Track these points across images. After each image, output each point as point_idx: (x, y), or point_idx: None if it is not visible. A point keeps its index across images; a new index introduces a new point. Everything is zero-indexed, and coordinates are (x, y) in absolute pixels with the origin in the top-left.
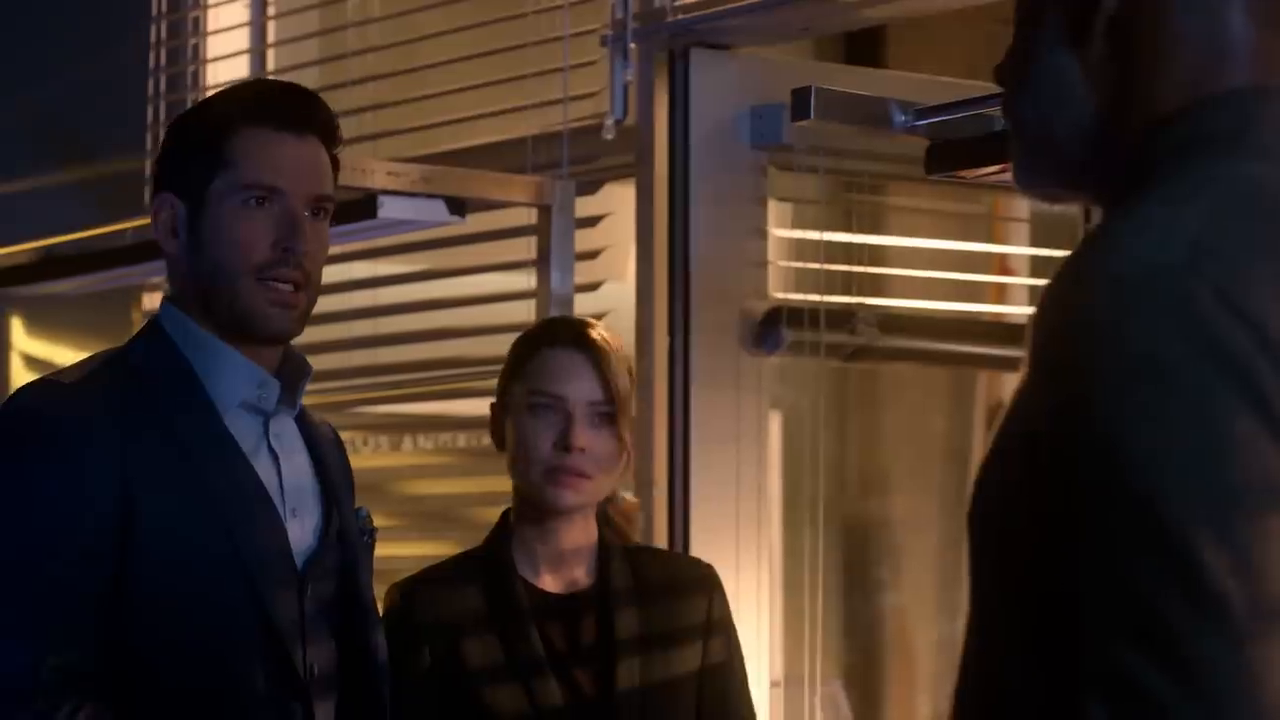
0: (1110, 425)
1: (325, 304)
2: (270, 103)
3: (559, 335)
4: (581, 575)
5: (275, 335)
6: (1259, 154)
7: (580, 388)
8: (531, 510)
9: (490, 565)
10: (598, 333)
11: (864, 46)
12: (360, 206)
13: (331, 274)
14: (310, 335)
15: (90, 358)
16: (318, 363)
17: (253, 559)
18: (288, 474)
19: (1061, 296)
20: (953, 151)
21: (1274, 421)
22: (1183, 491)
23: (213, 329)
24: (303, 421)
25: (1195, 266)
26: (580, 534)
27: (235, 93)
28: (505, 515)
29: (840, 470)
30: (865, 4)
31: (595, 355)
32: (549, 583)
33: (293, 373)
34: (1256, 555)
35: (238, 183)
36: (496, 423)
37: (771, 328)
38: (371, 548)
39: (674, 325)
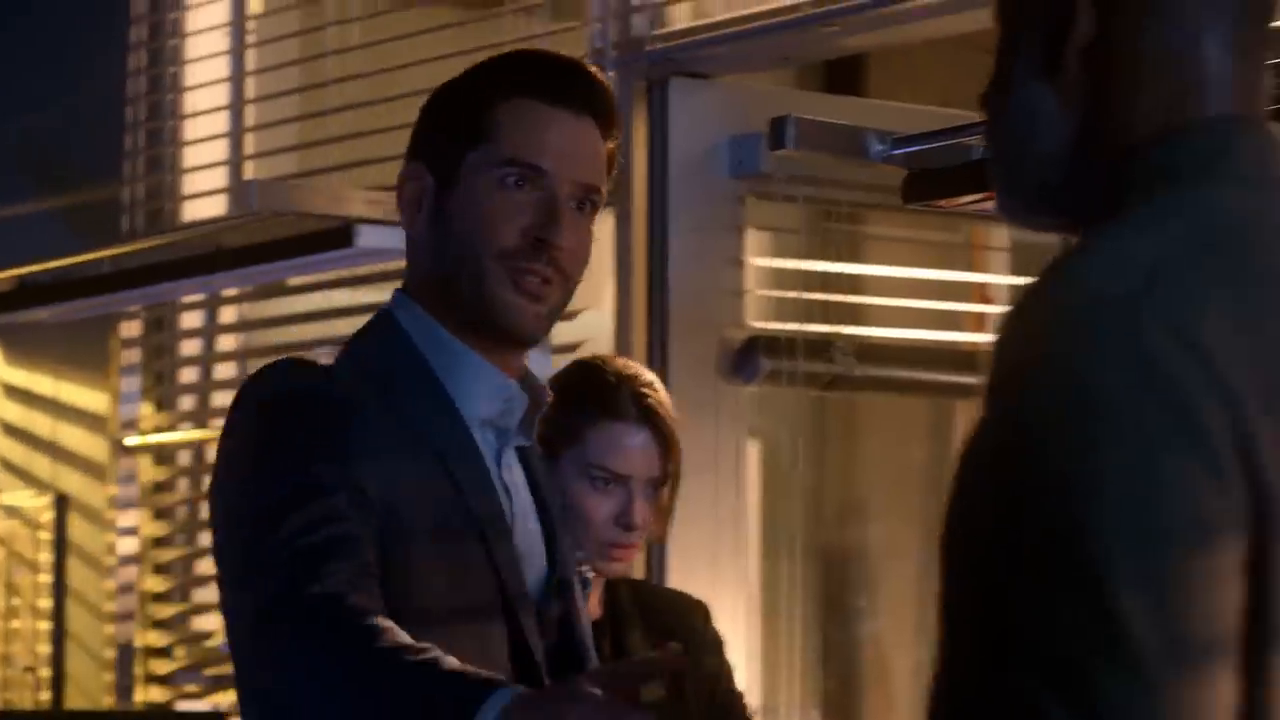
0: (1045, 457)
1: (307, 332)
2: (546, 73)
3: (623, 408)
4: (594, 604)
5: (519, 331)
6: (1232, 183)
7: (645, 466)
8: None
9: None
10: (658, 400)
11: (845, 74)
12: (337, 235)
13: (311, 302)
14: None
15: (305, 358)
16: None
17: (514, 591)
18: (518, 513)
19: (1012, 326)
20: (929, 180)
21: (1214, 459)
22: (1107, 528)
23: (454, 328)
24: (521, 450)
25: (1147, 297)
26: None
27: (507, 59)
28: None
29: (818, 499)
30: (844, 33)
31: (661, 432)
32: None
33: (531, 398)
34: (1177, 599)
35: (496, 157)
36: None
37: (749, 357)
38: (586, 595)
39: (652, 354)
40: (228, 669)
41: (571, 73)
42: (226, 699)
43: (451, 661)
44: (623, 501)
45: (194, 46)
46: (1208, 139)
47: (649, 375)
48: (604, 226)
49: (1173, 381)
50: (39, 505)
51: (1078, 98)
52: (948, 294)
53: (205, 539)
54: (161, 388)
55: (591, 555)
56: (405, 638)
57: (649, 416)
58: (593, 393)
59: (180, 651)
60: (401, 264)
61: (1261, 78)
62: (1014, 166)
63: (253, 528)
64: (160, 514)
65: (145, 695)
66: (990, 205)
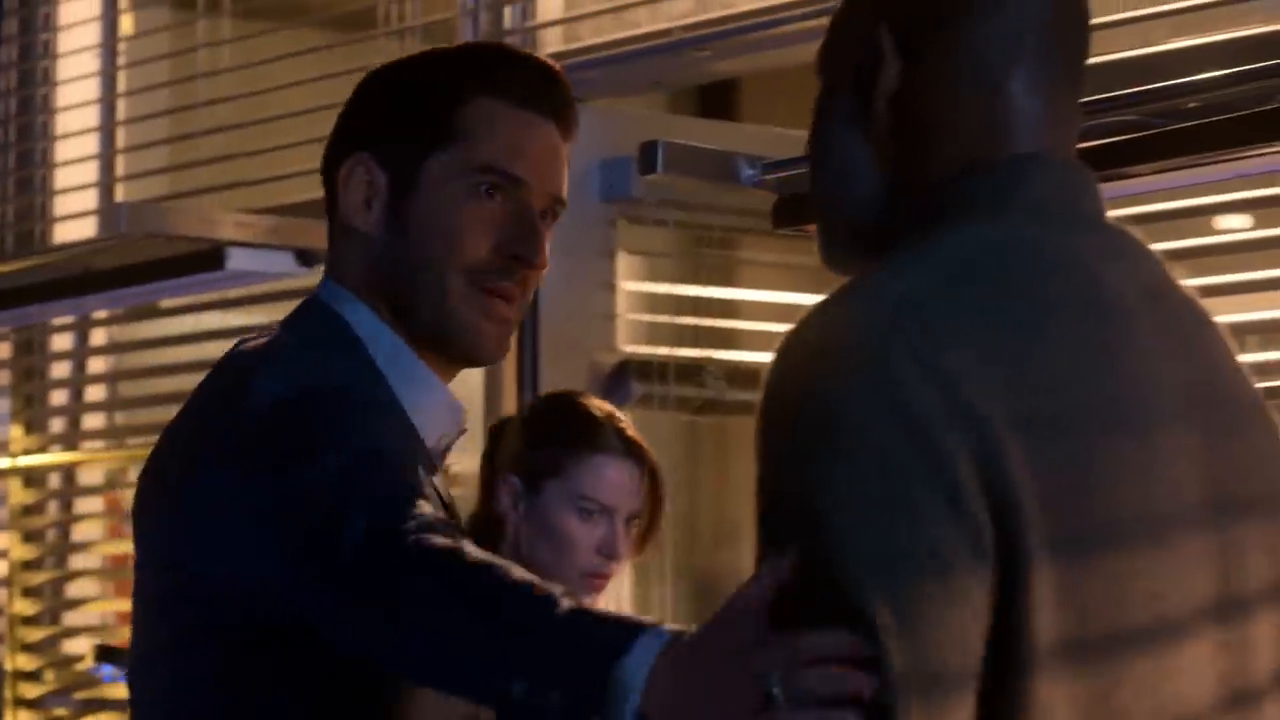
0: (797, 482)
1: (178, 354)
2: (515, 72)
3: (610, 441)
4: None
5: (481, 357)
6: (1020, 216)
7: (629, 500)
8: None
9: None
10: (635, 433)
11: (719, 99)
12: (208, 258)
13: (182, 325)
14: (161, 387)
15: (277, 347)
16: (172, 415)
17: None
18: None
19: (779, 357)
20: (800, 205)
21: (954, 487)
22: (857, 553)
23: (408, 339)
24: None
25: (896, 327)
26: None
27: (468, 53)
28: None
29: (691, 523)
30: (715, 57)
31: (645, 467)
32: None
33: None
34: (916, 622)
35: (470, 162)
36: (511, 494)
37: (621, 381)
38: None
39: (523, 378)
40: (97, 692)
41: (540, 73)
42: None
43: (582, 602)
44: (607, 532)
45: (64, 68)
46: (1007, 175)
47: (621, 413)
48: None
49: (915, 409)
50: None
51: (889, 143)
52: None
53: (75, 562)
54: (31, 410)
55: (574, 584)
56: (526, 574)
57: (634, 449)
58: (577, 426)
59: (50, 675)
60: (274, 286)
61: (1072, 116)
62: (830, 213)
63: (329, 481)
64: (30, 537)
65: (14, 719)
66: None
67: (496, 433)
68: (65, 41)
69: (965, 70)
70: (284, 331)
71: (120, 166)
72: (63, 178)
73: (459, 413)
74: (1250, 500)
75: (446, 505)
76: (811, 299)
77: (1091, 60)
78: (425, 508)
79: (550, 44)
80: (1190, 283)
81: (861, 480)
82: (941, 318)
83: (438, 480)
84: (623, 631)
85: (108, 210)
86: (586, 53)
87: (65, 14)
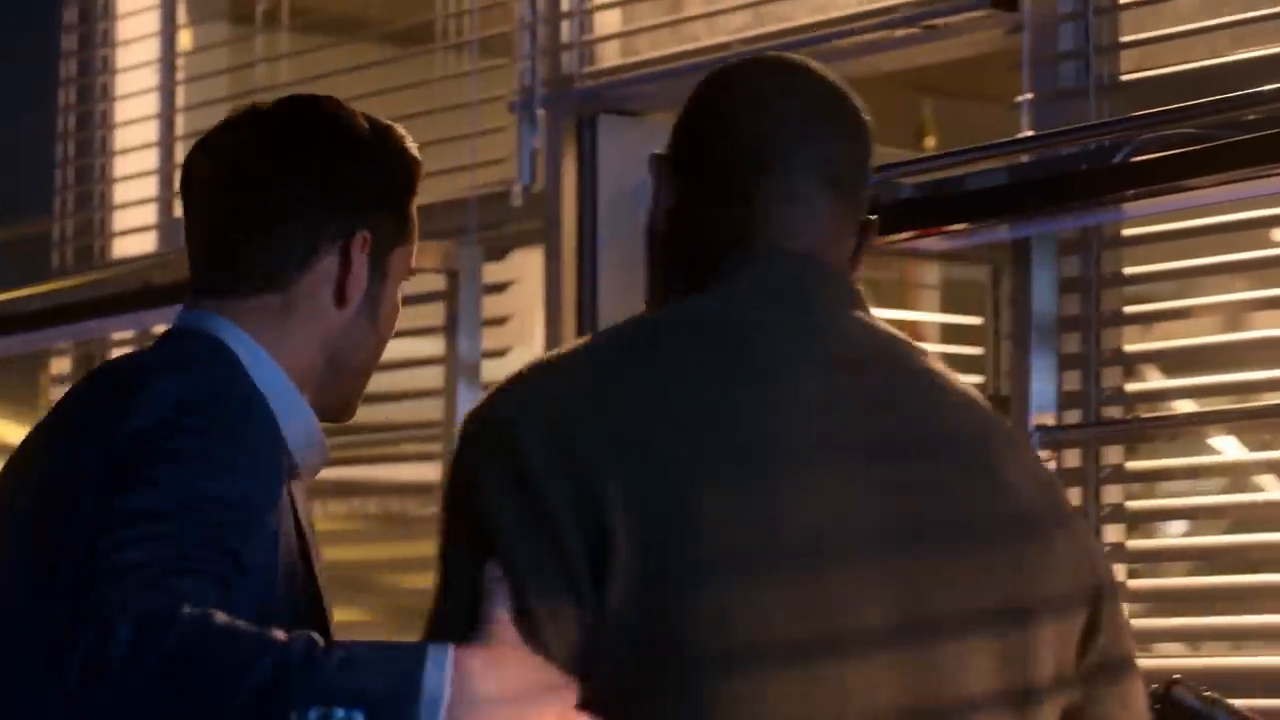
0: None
1: None
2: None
3: None
4: None
5: (341, 421)
6: (726, 294)
7: None
8: None
9: None
10: None
11: None
12: None
13: None
14: None
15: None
16: None
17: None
18: None
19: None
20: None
21: (556, 535)
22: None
23: (300, 384)
24: None
25: (522, 394)
26: None
27: (398, 136)
28: None
29: None
30: None
31: None
32: None
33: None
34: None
35: (410, 262)
36: None
37: None
38: None
39: None
40: None
41: None
42: None
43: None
44: None
45: (123, 83)
46: (735, 263)
47: None
48: (533, 264)
49: (526, 462)
50: None
51: (667, 243)
52: None
53: None
54: None
55: None
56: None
57: None
58: None
59: None
60: None
61: (840, 218)
62: (646, 280)
63: (175, 490)
64: None
65: None
66: (920, 243)
67: None
68: (124, 57)
69: (717, 187)
70: (165, 347)
71: (179, 181)
72: (122, 193)
73: (324, 444)
74: (948, 531)
75: (302, 534)
76: (887, 314)
77: (1154, 72)
78: (208, 572)
79: (608, 58)
80: (1249, 295)
81: (469, 541)
82: (576, 383)
83: (300, 499)
84: (410, 647)
85: (168, 225)
86: (644, 66)
87: (124, 30)
